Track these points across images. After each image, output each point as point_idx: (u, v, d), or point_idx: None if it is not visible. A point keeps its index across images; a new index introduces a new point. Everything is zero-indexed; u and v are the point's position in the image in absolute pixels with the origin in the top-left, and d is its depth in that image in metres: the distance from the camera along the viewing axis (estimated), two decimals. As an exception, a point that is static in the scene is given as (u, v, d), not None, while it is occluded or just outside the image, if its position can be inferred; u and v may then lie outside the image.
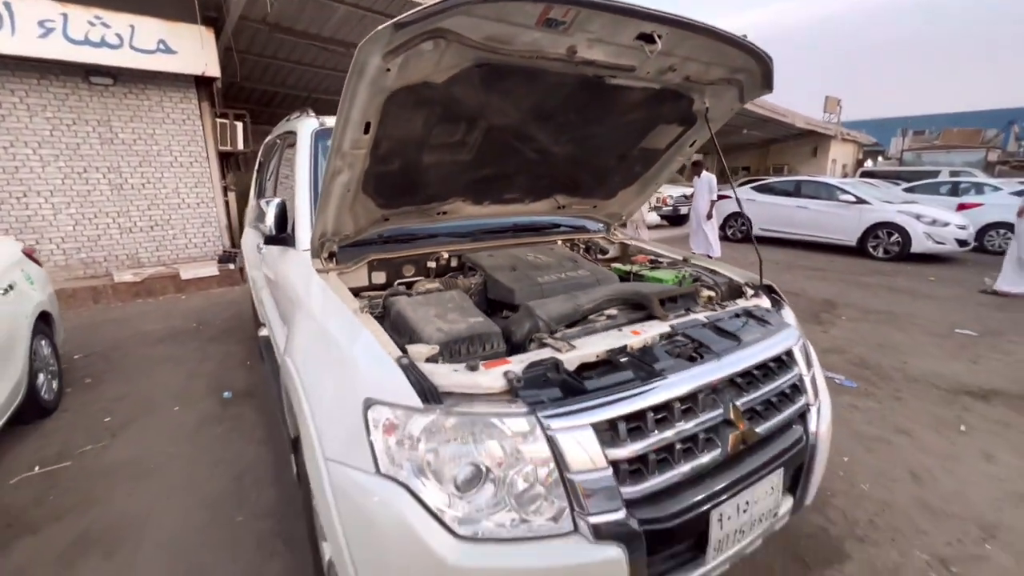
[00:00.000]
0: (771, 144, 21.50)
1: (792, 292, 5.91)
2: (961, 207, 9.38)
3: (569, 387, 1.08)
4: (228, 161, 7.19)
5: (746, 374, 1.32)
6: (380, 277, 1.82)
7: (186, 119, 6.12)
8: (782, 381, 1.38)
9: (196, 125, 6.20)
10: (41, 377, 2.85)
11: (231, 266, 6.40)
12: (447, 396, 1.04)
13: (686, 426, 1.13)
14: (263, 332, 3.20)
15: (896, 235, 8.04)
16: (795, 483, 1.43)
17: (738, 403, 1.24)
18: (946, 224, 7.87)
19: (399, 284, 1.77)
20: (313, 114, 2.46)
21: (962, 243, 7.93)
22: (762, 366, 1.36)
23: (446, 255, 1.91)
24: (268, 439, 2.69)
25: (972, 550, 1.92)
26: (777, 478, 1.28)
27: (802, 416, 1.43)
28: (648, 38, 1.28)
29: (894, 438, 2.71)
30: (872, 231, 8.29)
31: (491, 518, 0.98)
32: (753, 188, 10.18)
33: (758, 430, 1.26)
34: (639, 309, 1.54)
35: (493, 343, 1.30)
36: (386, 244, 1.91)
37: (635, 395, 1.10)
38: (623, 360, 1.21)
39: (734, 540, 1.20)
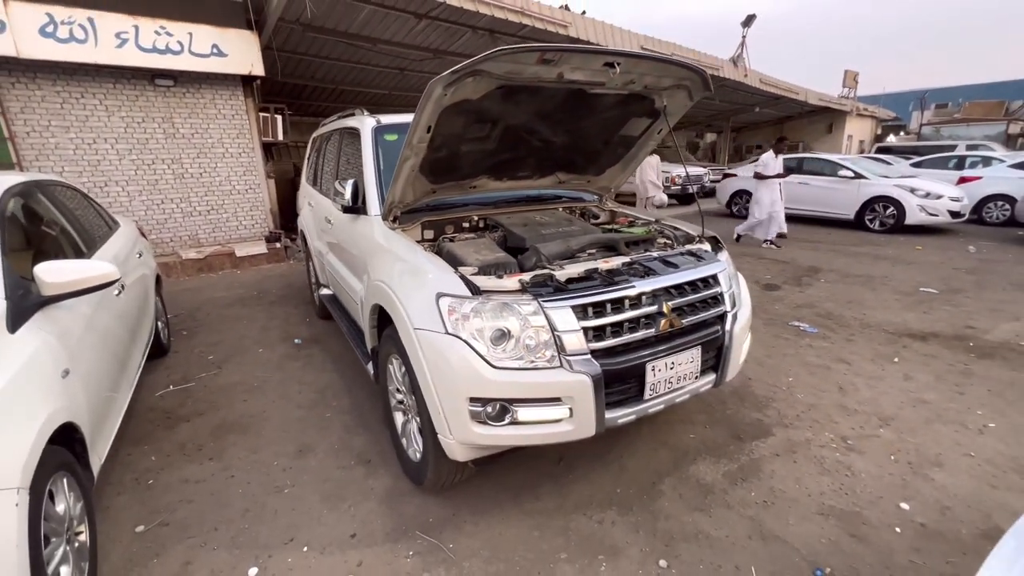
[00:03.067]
0: (785, 121, 21.48)
1: (782, 260, 6.50)
2: (961, 180, 9.70)
3: (558, 287, 1.79)
4: (268, 151, 7.97)
5: (678, 287, 2.00)
6: (429, 234, 2.54)
7: (235, 114, 6.89)
8: (704, 294, 2.06)
9: (243, 119, 6.97)
10: (160, 324, 3.68)
11: (277, 245, 7.23)
12: (484, 293, 1.75)
13: (631, 313, 1.83)
14: (324, 291, 3.98)
15: (891, 208, 8.45)
16: (717, 363, 2.12)
17: (669, 303, 1.93)
18: (939, 197, 8.26)
19: (443, 238, 2.49)
20: (367, 113, 3.16)
21: (955, 215, 8.33)
22: (691, 283, 2.04)
23: (476, 218, 2.62)
24: (336, 369, 3.47)
25: (868, 432, 2.60)
26: (696, 352, 1.97)
27: (721, 318, 2.11)
28: (611, 64, 1.94)
29: (834, 365, 3.36)
30: (869, 205, 8.71)
31: (511, 358, 1.69)
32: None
33: (683, 321, 1.95)
34: (612, 250, 2.23)
35: (510, 269, 2.00)
36: (431, 211, 2.62)
37: (598, 293, 1.80)
38: (595, 275, 1.90)
39: (664, 387, 1.90)
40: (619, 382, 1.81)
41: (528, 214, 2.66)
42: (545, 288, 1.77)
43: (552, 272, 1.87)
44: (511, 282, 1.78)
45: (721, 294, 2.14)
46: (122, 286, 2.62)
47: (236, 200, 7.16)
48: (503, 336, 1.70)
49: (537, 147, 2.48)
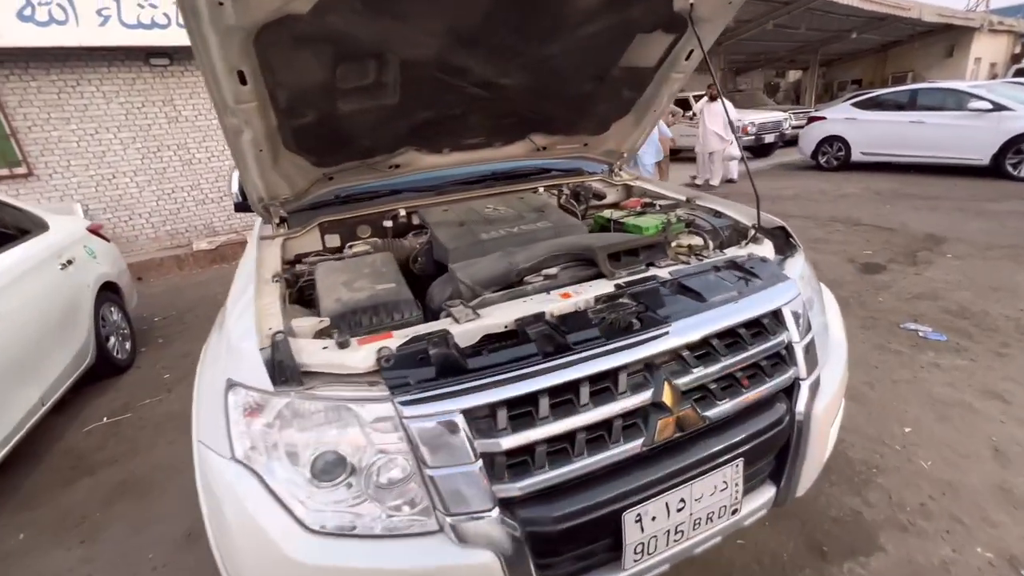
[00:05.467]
0: (890, 48, 17.94)
1: (887, 227, 5.02)
2: None
3: (448, 366, 0.92)
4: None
5: (703, 343, 1.06)
6: (334, 240, 1.73)
7: (238, 90, 6.38)
8: (755, 351, 1.09)
9: (248, 95, 6.45)
10: (112, 340, 3.24)
11: (293, 230, 6.81)
12: (314, 376, 0.94)
13: (592, 415, 0.93)
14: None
15: (1047, 147, 6.42)
16: (780, 470, 1.17)
17: (678, 381, 1.00)
18: (1125, 127, 6.10)
19: (349, 246, 1.67)
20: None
21: None
22: (728, 332, 1.09)
23: (403, 212, 1.77)
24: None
25: (1061, 550, 1.52)
26: (733, 471, 1.03)
27: (787, 392, 1.14)
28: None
29: (981, 404, 2.21)
30: (1013, 145, 6.68)
31: (347, 511, 0.88)
32: (853, 104, 8.61)
33: (708, 413, 1.02)
34: (591, 265, 1.30)
35: (403, 312, 1.17)
36: (344, 204, 1.80)
37: (525, 376, 0.91)
38: (532, 331, 1.01)
39: (668, 542, 1.00)
40: (571, 543, 0.94)
41: (477, 203, 1.75)
42: (421, 368, 0.92)
43: (448, 329, 1.00)
44: (363, 354, 0.95)
45: (789, 346, 1.15)
46: (-15, 317, 2.10)
47: (249, 184, 6.76)
48: (334, 467, 0.89)
49: (477, 95, 1.55)
